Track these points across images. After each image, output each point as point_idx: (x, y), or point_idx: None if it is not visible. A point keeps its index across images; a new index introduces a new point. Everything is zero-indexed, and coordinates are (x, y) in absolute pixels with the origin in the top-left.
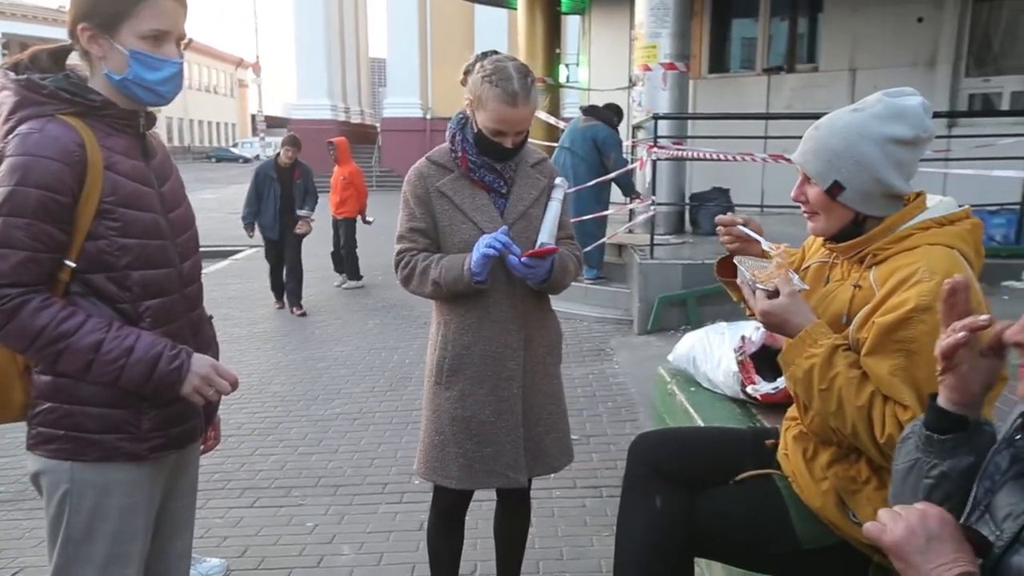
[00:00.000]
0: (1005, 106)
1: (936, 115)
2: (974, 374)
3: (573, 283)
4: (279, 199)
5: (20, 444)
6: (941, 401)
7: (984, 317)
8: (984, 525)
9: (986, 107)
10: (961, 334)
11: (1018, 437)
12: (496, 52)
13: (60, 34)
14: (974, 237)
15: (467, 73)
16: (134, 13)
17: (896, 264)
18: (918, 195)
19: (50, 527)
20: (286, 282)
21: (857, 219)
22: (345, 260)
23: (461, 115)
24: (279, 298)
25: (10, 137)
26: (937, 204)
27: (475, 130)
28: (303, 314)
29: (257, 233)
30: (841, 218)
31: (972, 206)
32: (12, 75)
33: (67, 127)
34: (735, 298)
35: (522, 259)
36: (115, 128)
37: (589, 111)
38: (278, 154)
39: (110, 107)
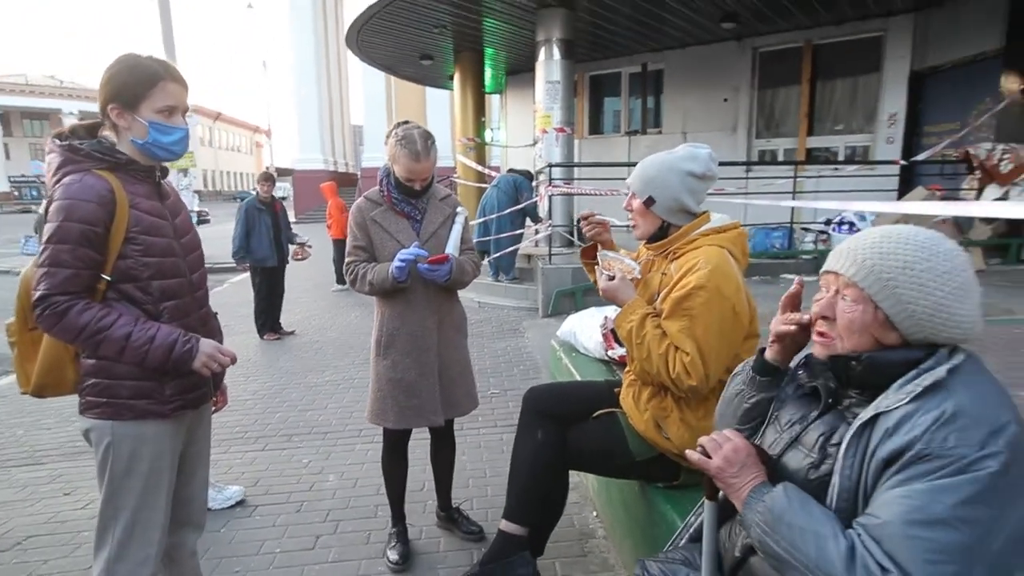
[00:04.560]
0: (780, 158)
1: (739, 163)
2: (792, 345)
3: (496, 282)
4: (271, 229)
5: (72, 412)
6: (767, 356)
7: (803, 317)
8: (774, 430)
9: (769, 159)
10: (793, 327)
11: (800, 372)
12: (407, 122)
13: (49, 103)
14: (740, 241)
15: (388, 136)
16: (149, 95)
17: (686, 258)
18: (704, 213)
19: (99, 469)
20: (270, 309)
21: (663, 226)
22: (336, 268)
23: (386, 166)
24: (273, 328)
25: (57, 186)
26: (718, 219)
27: (393, 177)
28: (292, 332)
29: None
30: (652, 223)
31: (761, 224)
32: (57, 141)
33: (100, 178)
34: (591, 279)
35: (425, 265)
36: (137, 178)
37: (513, 171)
38: (256, 192)
39: (133, 163)
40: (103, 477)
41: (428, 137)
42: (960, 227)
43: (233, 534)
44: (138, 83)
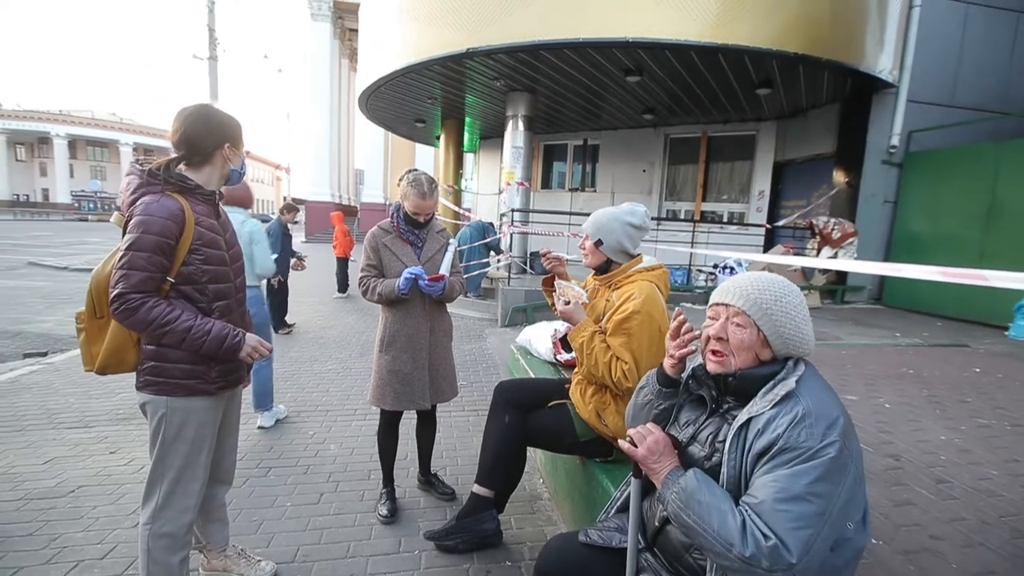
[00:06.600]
0: (682, 217)
1: (653, 219)
2: (684, 361)
3: (466, 298)
4: (287, 249)
5: (128, 387)
6: (668, 371)
7: (696, 333)
8: (676, 428)
9: (675, 216)
10: (690, 348)
11: (690, 382)
12: (416, 169)
13: (110, 135)
14: (663, 279)
15: (400, 179)
16: (240, 137)
17: (624, 289)
18: (639, 255)
19: (152, 434)
20: (279, 311)
21: (607, 262)
22: (337, 280)
23: (397, 203)
24: (285, 325)
25: (137, 203)
26: (648, 260)
27: (403, 212)
28: (293, 325)
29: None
30: (599, 259)
31: (666, 264)
32: (139, 167)
33: (173, 199)
34: (549, 303)
35: (425, 282)
36: (200, 200)
37: (481, 221)
38: (280, 216)
39: (200, 189)
40: (155, 442)
41: (432, 182)
42: (805, 275)
43: (252, 489)
44: (238, 128)
